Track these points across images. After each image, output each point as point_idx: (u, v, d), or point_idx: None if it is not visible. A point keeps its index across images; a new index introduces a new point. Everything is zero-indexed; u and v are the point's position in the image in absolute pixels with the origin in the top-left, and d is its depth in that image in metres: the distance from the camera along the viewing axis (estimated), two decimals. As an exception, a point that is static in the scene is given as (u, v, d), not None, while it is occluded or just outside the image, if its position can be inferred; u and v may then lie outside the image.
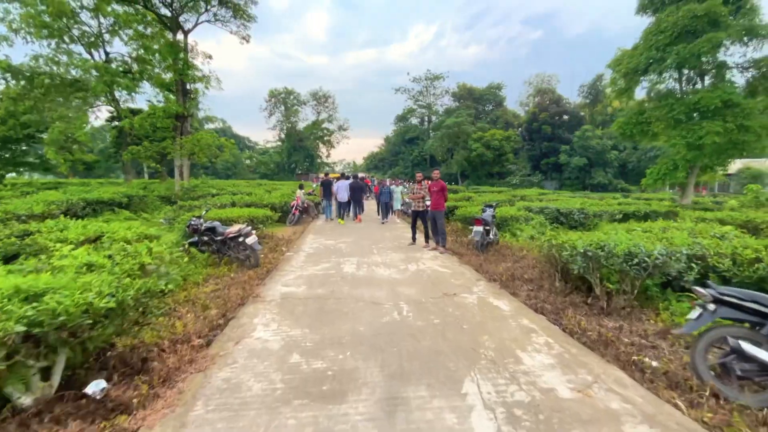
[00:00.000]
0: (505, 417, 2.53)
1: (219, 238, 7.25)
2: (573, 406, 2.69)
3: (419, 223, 9.21)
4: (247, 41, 19.40)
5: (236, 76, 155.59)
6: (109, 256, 4.61)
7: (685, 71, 14.98)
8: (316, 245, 9.12)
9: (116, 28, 20.97)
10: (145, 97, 21.53)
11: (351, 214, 14.82)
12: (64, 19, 18.28)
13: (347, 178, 15.47)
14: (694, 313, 3.40)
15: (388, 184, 14.41)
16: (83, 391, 2.74)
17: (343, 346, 3.56)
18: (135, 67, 20.72)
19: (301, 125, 60.32)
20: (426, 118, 61.97)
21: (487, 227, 8.64)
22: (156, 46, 18.37)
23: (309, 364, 3.23)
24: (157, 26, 18.17)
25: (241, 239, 6.98)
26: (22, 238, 5.42)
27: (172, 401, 2.72)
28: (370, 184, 24.98)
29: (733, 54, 14.02)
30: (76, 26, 19.53)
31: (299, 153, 58.90)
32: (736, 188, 37.03)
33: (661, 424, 2.55)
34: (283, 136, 60.51)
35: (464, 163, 43.90)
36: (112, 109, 22.43)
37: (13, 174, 30.74)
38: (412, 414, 2.56)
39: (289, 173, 58.37)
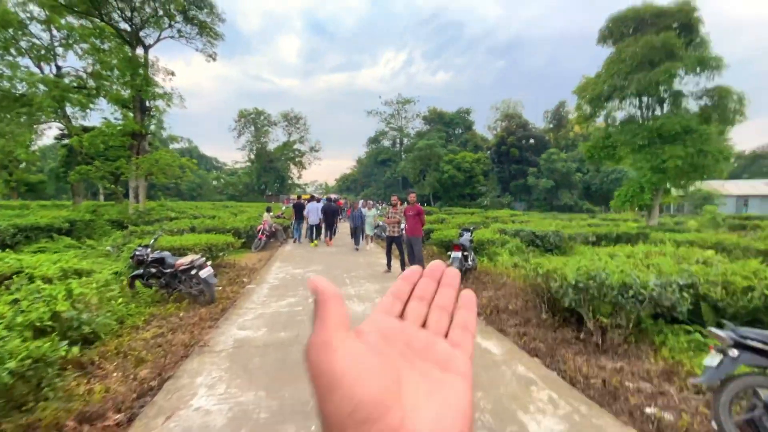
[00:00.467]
0: None
1: (168, 270, 6.36)
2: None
3: (395, 249, 8.64)
4: (214, 59, 18.69)
5: (206, 96, 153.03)
6: (14, 302, 3.72)
7: (644, 99, 15.69)
8: (282, 275, 8.32)
9: (70, 41, 19.75)
10: (103, 115, 20.07)
11: (323, 237, 14.32)
12: (11, 30, 16.95)
13: (318, 200, 14.82)
14: (713, 360, 2.98)
15: (360, 206, 13.74)
16: None
17: (307, 415, 2.85)
18: (91, 83, 19.44)
19: (271, 146, 59.22)
20: (398, 141, 62.66)
21: (465, 252, 8.22)
22: (114, 62, 17.32)
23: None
24: (115, 41, 17.15)
25: (193, 272, 6.12)
26: None
27: None
28: (342, 205, 24.35)
29: (687, 83, 14.86)
30: (24, 38, 18.17)
31: (270, 174, 57.53)
32: (690, 209, 39.32)
33: None
34: (252, 156, 59.05)
35: (436, 184, 44.26)
36: (62, 126, 20.80)
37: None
38: None
39: (258, 194, 56.69)
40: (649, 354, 4.46)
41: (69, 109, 19.88)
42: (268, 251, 12.12)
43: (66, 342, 2.99)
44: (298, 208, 14.05)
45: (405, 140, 60.37)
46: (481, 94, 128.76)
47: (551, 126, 53.98)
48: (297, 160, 59.57)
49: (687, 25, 14.60)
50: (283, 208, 21.28)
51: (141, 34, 16.95)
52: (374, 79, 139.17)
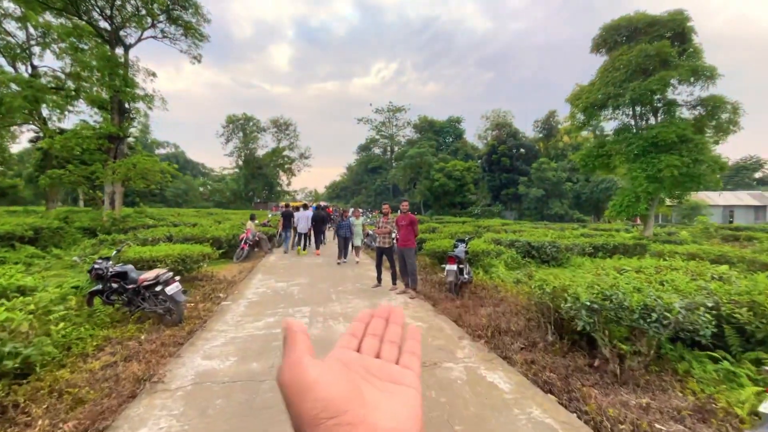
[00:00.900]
0: None
1: (131, 286, 5.65)
2: None
3: (386, 261, 8.03)
4: (199, 61, 18.00)
5: (198, 103, 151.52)
6: None
7: (638, 108, 15.53)
8: (263, 289, 7.63)
9: (47, 40, 18.92)
10: (82, 118, 19.11)
11: (311, 245, 13.87)
12: (-18, 27, 16.10)
13: (307, 207, 14.24)
14: (774, 406, 2.45)
15: (350, 214, 13.10)
16: None
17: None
18: (69, 84, 18.58)
19: (260, 152, 58.36)
20: (388, 148, 62.42)
21: (461, 265, 7.67)
22: (94, 63, 16.53)
23: None
24: (94, 39, 16.38)
25: (158, 288, 5.43)
26: None
27: None
28: (332, 213, 23.62)
29: (681, 93, 14.74)
30: (-1, 36, 17.32)
31: (258, 181, 56.51)
32: (677, 219, 39.63)
33: None
34: (240, 162, 58.02)
35: (427, 193, 43.91)
36: (38, 128, 19.81)
37: None
38: None
39: (246, 201, 55.59)
40: (674, 385, 3.93)
41: (45, 111, 18.98)
42: (251, 262, 11.41)
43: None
44: (287, 216, 13.62)
45: (395, 148, 60.15)
46: (472, 103, 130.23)
47: (541, 135, 54.33)
48: (286, 166, 58.77)
49: (680, 34, 14.53)
50: (270, 215, 20.52)
51: (121, 33, 16.21)
52: (365, 88, 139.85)
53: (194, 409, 3.02)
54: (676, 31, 14.47)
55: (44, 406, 3.20)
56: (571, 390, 3.68)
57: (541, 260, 11.78)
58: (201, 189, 58.99)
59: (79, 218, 13.70)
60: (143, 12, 15.98)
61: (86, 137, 14.11)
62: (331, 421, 0.29)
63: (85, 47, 17.15)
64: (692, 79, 13.96)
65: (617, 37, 15.64)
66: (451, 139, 58.81)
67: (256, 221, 13.45)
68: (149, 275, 5.53)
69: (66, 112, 18.90)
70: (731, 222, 39.19)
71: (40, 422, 2.94)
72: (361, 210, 15.66)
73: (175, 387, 3.40)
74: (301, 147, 60.79)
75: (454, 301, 6.90)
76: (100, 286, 5.85)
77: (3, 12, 17.00)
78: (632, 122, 15.67)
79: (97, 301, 5.81)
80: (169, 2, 15.96)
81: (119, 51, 16.11)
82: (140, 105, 16.53)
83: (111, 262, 6.05)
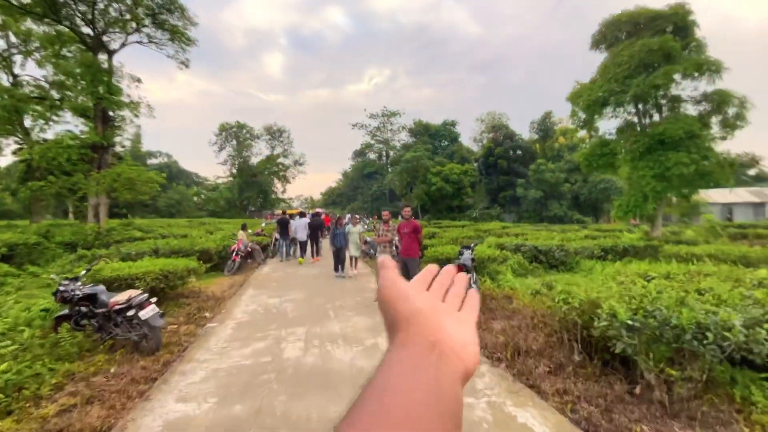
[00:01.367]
0: None
1: (101, 310, 4.99)
2: None
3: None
4: (186, 66, 17.41)
5: (191, 113, 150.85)
6: None
7: (641, 105, 15.09)
8: (253, 307, 6.97)
9: (29, 48, 18.27)
10: (68, 128, 18.35)
11: (309, 254, 13.27)
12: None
13: (304, 215, 13.62)
14: None
15: (346, 221, 12.43)
16: None
17: None
18: (54, 93, 17.89)
19: (254, 160, 57.66)
20: (384, 153, 61.92)
21: (468, 274, 7.04)
22: (78, 70, 15.87)
23: None
24: (77, 45, 15.74)
25: (131, 312, 4.77)
26: None
27: None
28: (329, 222, 22.71)
29: (685, 88, 14.31)
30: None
31: (252, 189, 55.75)
32: (677, 217, 39.27)
33: None
34: (234, 171, 57.27)
35: (424, 197, 43.36)
36: (19, 139, 19.06)
37: None
38: None
39: (241, 210, 54.77)
40: (735, 417, 3.34)
41: (28, 122, 18.28)
42: (243, 274, 10.74)
43: None
44: (283, 224, 13.05)
45: (391, 153, 59.62)
46: (466, 107, 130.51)
47: (537, 137, 54.11)
48: (281, 174, 58.12)
49: (682, 28, 14.15)
50: (264, 224, 19.81)
51: (104, 38, 15.58)
52: (359, 94, 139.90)
53: (155, 479, 2.37)
54: (678, 25, 14.09)
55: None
56: (618, 429, 3.06)
57: (549, 265, 11.22)
58: (195, 198, 58.12)
59: (60, 232, 12.95)
60: (127, 16, 15.39)
61: (68, 147, 13.41)
62: (422, 320, 0.37)
63: (69, 54, 16.52)
64: (697, 74, 13.53)
65: (617, 33, 15.26)
66: (446, 143, 58.39)
67: (249, 231, 12.80)
68: (121, 298, 4.88)
69: (50, 123, 18.22)
70: (729, 219, 38.90)
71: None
72: (358, 216, 14.98)
73: (136, 444, 2.75)
74: (296, 154, 60.22)
75: (463, 315, 6.29)
76: (67, 311, 5.20)
77: (-19, 20, 16.37)
78: (636, 119, 15.22)
79: (64, 327, 5.14)
80: (154, 6, 15.38)
81: (102, 57, 15.48)
82: (126, 113, 15.87)
83: (80, 283, 5.40)
